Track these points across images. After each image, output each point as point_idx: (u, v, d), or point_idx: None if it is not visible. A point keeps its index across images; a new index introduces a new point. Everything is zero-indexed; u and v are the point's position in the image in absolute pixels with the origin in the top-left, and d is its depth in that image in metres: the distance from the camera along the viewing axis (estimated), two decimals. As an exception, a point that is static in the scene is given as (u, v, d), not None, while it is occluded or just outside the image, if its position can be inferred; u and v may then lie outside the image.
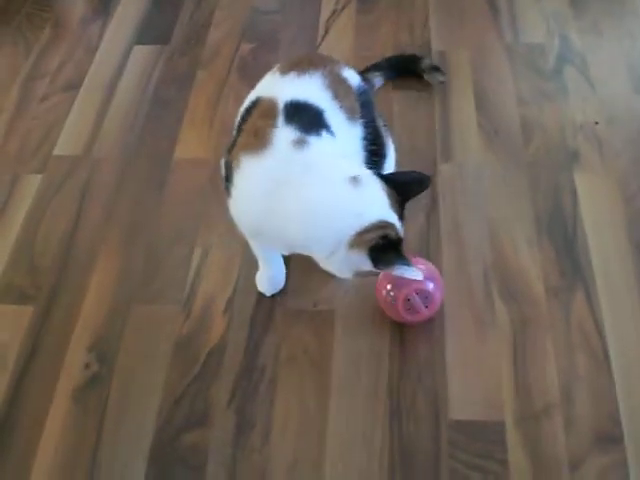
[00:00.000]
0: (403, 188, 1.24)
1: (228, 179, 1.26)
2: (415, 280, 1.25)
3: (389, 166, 1.44)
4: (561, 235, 1.53)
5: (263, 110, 1.26)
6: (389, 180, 1.24)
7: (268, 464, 1.27)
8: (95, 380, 1.38)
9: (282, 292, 1.47)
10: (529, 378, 1.34)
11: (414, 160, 1.65)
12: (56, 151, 1.78)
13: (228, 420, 1.32)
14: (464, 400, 1.33)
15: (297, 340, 1.41)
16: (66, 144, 1.79)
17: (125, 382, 1.38)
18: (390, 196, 1.22)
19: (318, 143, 1.22)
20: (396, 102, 1.81)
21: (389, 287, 1.38)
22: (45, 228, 1.62)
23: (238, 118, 1.32)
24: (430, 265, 1.42)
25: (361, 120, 1.33)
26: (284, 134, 1.21)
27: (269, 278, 1.46)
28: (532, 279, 1.47)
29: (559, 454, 1.26)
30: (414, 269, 1.20)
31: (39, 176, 1.72)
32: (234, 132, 1.32)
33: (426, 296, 1.37)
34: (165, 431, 1.31)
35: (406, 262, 1.19)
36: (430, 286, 1.37)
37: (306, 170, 1.19)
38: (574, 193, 1.60)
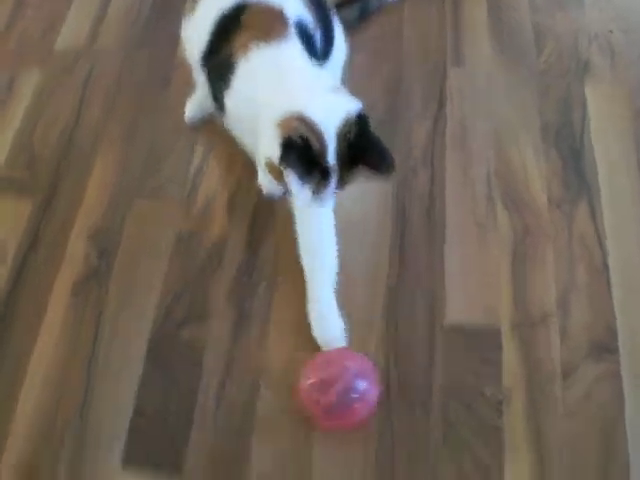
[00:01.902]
0: (366, 151, 1.19)
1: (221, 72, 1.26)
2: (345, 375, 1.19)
3: (338, 56, 1.43)
4: (568, 146, 1.51)
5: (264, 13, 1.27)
6: (364, 133, 1.19)
7: (265, 360, 1.29)
8: (95, 273, 1.39)
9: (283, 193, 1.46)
10: (527, 286, 1.35)
11: (424, 64, 1.62)
12: (57, 45, 1.73)
13: (227, 315, 1.34)
14: (461, 305, 1.33)
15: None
16: (68, 37, 1.75)
17: (125, 276, 1.39)
18: (345, 133, 1.18)
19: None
20: (407, 6, 1.76)
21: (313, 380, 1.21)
22: (46, 121, 1.60)
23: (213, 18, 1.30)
24: (365, 361, 1.25)
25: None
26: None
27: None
28: (536, 189, 1.46)
29: (553, 361, 1.28)
30: (304, 191, 1.16)
31: (39, 69, 1.69)
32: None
33: (355, 394, 1.19)
34: (164, 325, 1.33)
35: (302, 176, 1.14)
36: (361, 385, 1.21)
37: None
38: (583, 104, 1.57)
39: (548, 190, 1.46)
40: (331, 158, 1.16)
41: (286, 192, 1.22)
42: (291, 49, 1.24)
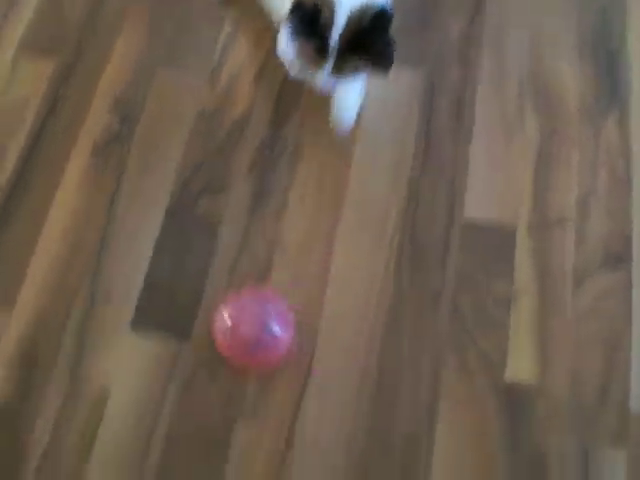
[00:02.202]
0: (372, 46, 1.18)
1: None
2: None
3: None
4: (604, 55, 1.48)
5: None
6: (378, 28, 1.17)
7: (280, 235, 1.29)
8: (116, 138, 1.38)
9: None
10: (549, 188, 1.34)
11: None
12: None
13: (246, 188, 1.33)
14: (481, 200, 1.33)
15: (322, 119, 1.38)
16: None
17: (146, 144, 1.38)
18: (358, 18, 1.16)
19: None
20: None
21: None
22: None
23: None
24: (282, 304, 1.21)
25: None
26: None
27: None
28: (568, 96, 1.43)
29: (566, 266, 1.28)
30: (293, 55, 1.16)
31: None
32: None
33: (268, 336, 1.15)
34: (183, 193, 1.33)
35: (297, 36, 1.15)
36: (275, 329, 1.16)
37: None
38: (623, 12, 1.53)
39: (580, 98, 1.43)
40: (334, 35, 1.15)
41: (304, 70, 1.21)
42: None
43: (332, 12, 1.15)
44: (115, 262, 1.28)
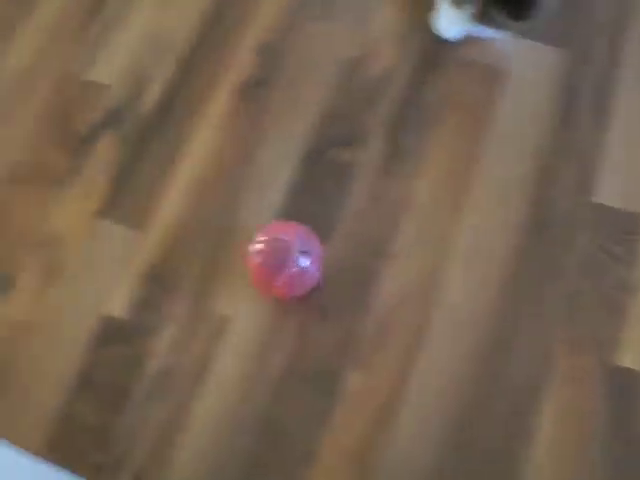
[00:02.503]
0: None
1: None
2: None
3: None
4: None
5: None
6: None
7: (411, 194, 1.32)
8: (259, 82, 1.42)
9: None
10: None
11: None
12: None
13: (381, 146, 1.35)
14: (614, 186, 1.32)
15: (464, 89, 1.40)
16: None
17: (288, 89, 1.41)
18: None
19: None
20: None
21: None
22: None
23: None
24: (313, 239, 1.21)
25: None
26: None
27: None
28: None
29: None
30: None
31: None
32: None
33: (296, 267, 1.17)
34: (318, 142, 1.36)
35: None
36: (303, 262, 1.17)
37: None
38: None
39: None
40: None
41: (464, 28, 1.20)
42: None
43: None
44: (249, 197, 1.32)
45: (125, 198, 1.33)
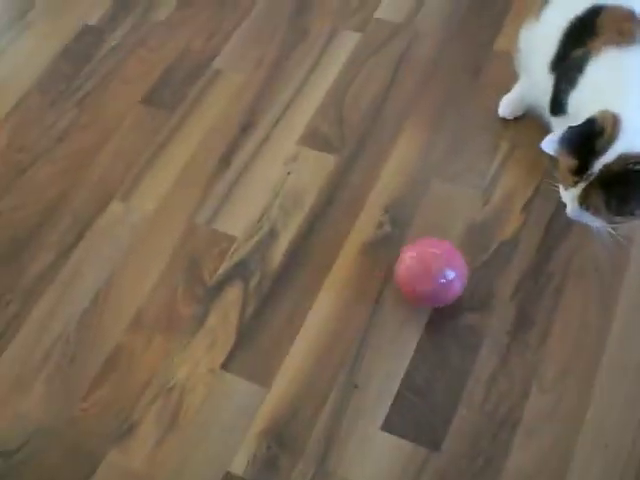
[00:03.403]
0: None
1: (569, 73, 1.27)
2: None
3: None
4: None
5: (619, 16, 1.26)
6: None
7: (539, 365, 1.29)
8: (386, 239, 1.44)
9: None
10: None
11: None
12: (377, 14, 1.79)
13: (508, 312, 1.35)
14: None
15: (590, 256, 1.39)
16: (389, 9, 1.80)
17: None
18: (630, 160, 1.13)
19: None
20: None
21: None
22: (357, 86, 1.66)
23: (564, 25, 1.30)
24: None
25: None
26: None
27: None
28: None
29: None
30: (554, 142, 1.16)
31: (358, 34, 1.75)
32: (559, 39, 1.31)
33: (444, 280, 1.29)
34: (446, 306, 1.35)
35: (566, 141, 1.15)
36: (450, 274, 1.29)
37: None
38: None
39: None
40: (598, 163, 1.15)
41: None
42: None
43: (610, 141, 1.14)
44: (372, 366, 1.32)
45: (248, 352, 1.34)
